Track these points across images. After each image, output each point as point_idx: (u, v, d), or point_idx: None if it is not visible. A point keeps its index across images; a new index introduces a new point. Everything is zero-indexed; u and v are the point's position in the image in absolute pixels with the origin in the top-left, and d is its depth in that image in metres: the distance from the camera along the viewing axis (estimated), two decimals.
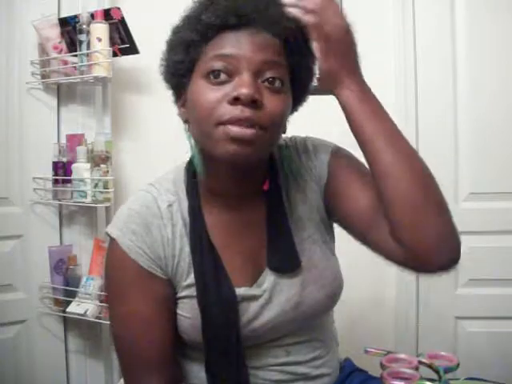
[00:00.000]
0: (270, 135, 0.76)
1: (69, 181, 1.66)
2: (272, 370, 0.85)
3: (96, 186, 1.61)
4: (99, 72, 1.59)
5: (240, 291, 0.82)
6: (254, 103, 0.72)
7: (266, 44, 0.74)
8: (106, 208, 1.66)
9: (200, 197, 0.85)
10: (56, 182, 1.68)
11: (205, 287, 0.80)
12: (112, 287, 0.84)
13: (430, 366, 0.78)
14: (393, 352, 0.81)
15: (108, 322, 1.63)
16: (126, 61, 1.73)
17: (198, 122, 0.77)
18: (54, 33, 1.66)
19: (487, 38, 1.66)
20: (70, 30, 1.66)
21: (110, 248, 0.83)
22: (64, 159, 1.68)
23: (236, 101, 0.72)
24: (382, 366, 0.78)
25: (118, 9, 1.61)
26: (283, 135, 0.85)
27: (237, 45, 0.74)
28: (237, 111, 0.72)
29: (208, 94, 0.74)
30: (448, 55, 1.68)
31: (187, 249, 0.82)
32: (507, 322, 1.66)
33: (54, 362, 1.76)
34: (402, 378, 0.73)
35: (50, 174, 1.69)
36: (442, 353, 0.82)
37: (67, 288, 1.66)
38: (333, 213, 0.89)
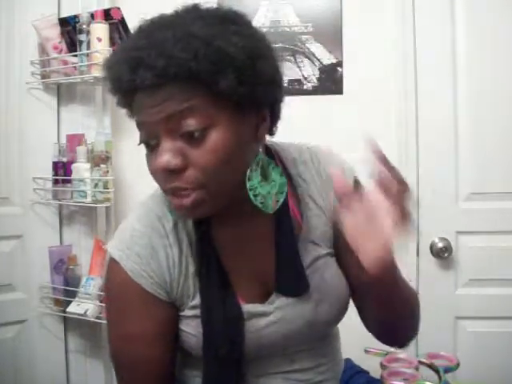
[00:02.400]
0: (214, 187, 0.70)
1: (69, 181, 1.66)
2: (274, 378, 0.84)
3: (96, 185, 1.61)
4: (99, 72, 1.58)
5: (248, 307, 0.80)
6: (173, 172, 0.68)
7: (170, 97, 0.66)
8: (106, 208, 1.66)
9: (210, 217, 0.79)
10: (56, 181, 1.68)
11: (210, 308, 0.78)
12: (113, 308, 0.82)
13: (430, 366, 0.78)
14: (393, 352, 0.81)
15: None
16: None
17: None
18: (54, 33, 1.66)
19: (487, 37, 1.66)
20: (70, 29, 1.66)
21: (111, 269, 0.80)
22: (64, 159, 1.68)
23: (161, 172, 0.69)
24: (382, 366, 0.78)
25: (118, 9, 1.61)
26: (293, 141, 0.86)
27: (141, 110, 0.70)
28: (167, 183, 0.70)
29: (148, 163, 0.73)
30: (448, 55, 1.68)
31: (192, 270, 0.80)
32: (507, 322, 1.66)
33: (54, 362, 1.76)
34: (402, 378, 0.73)
35: (50, 173, 1.69)
36: (442, 353, 0.82)
37: (67, 288, 1.66)
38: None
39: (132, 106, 0.72)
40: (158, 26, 0.71)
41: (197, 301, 0.80)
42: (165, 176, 0.69)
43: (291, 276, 0.81)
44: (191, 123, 0.67)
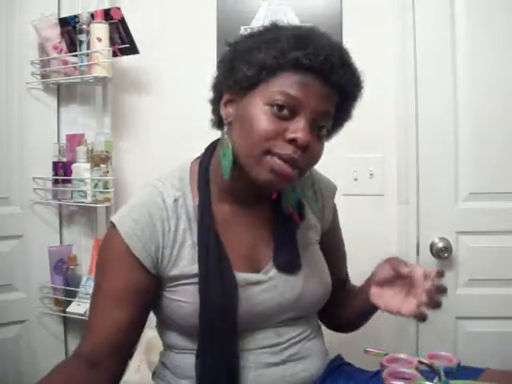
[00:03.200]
0: (303, 174, 0.86)
1: (69, 181, 1.66)
2: (263, 353, 0.88)
3: (96, 186, 1.61)
4: (99, 72, 1.59)
5: (244, 276, 0.87)
6: (305, 149, 0.79)
7: (329, 97, 0.82)
8: (106, 208, 1.66)
9: (210, 193, 0.89)
10: (56, 181, 1.68)
11: (207, 276, 0.84)
12: (99, 265, 0.89)
13: (430, 366, 0.78)
14: (393, 352, 0.81)
15: None
16: (126, 61, 1.73)
17: (247, 141, 0.82)
18: (53, 33, 1.66)
19: (487, 37, 1.66)
20: (70, 29, 1.66)
21: (108, 232, 0.89)
22: (64, 159, 1.68)
23: (292, 141, 0.79)
24: (382, 366, 0.78)
25: (118, 9, 1.61)
26: None
27: (305, 90, 0.79)
28: (290, 151, 0.79)
29: (269, 124, 0.79)
30: (448, 56, 1.68)
31: (189, 242, 0.87)
32: (507, 322, 1.65)
33: (54, 362, 1.74)
34: (402, 378, 0.73)
35: (50, 174, 1.70)
36: (442, 353, 0.82)
37: (67, 288, 1.66)
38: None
39: (284, 72, 0.79)
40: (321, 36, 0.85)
41: (194, 270, 0.85)
42: (295, 145, 0.79)
43: (287, 256, 0.92)
44: (328, 122, 0.84)
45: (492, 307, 1.66)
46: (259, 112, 0.80)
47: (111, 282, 0.85)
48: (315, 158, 0.84)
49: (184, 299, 0.85)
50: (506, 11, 1.65)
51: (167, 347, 0.95)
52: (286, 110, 0.79)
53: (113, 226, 0.86)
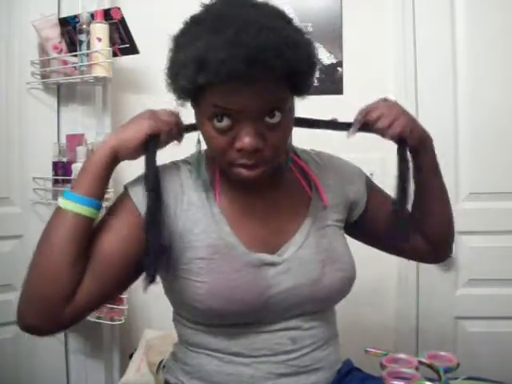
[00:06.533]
0: (277, 160, 0.84)
1: (69, 181, 1.65)
2: (276, 363, 0.86)
3: None
4: (99, 72, 1.59)
5: (259, 256, 0.86)
6: (256, 152, 0.78)
7: (264, 89, 0.75)
8: (106, 208, 1.65)
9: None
10: (56, 182, 1.68)
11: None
12: (104, 216, 0.87)
13: (430, 366, 0.78)
14: (392, 352, 0.81)
15: (108, 322, 1.64)
16: (126, 61, 1.73)
17: (211, 153, 0.85)
18: (54, 33, 1.66)
19: (487, 37, 1.66)
20: (70, 29, 1.66)
21: (120, 196, 0.89)
22: (64, 159, 1.68)
23: (241, 150, 0.78)
24: (382, 366, 0.78)
25: (118, 9, 1.61)
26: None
27: (233, 97, 0.75)
28: (243, 160, 0.79)
29: (216, 139, 0.79)
30: (448, 55, 1.68)
31: (199, 215, 0.86)
32: (507, 322, 1.66)
33: (54, 362, 1.76)
34: (402, 378, 0.73)
35: (50, 174, 1.70)
36: (442, 353, 0.82)
37: None
38: (361, 229, 1.02)
39: (205, 89, 0.76)
40: (242, 21, 0.74)
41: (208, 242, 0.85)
42: (242, 154, 0.78)
43: None
44: (277, 115, 0.78)
45: (492, 307, 1.66)
46: (207, 129, 0.80)
47: (118, 223, 0.84)
48: (277, 146, 0.81)
49: (199, 279, 0.83)
50: (507, 10, 1.65)
51: (182, 342, 0.94)
52: (225, 120, 0.77)
53: (126, 191, 0.87)
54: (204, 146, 0.87)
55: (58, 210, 0.81)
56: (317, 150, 1.03)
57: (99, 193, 0.82)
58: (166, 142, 0.87)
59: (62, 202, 0.81)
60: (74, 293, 0.79)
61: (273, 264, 0.87)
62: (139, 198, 0.84)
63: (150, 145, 0.83)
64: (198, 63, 0.73)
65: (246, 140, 0.76)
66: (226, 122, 0.77)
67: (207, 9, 0.81)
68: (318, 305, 0.90)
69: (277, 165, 0.87)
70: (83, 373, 1.78)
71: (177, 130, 0.87)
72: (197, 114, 0.84)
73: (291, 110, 0.83)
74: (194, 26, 0.80)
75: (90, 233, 0.81)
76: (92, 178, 0.81)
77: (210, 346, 0.88)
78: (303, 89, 0.82)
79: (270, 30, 0.72)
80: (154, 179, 0.82)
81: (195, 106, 0.83)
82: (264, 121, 0.78)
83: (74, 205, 0.80)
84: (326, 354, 0.92)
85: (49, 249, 0.80)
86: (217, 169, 0.90)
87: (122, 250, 0.82)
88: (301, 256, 0.88)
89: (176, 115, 0.87)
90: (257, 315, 0.86)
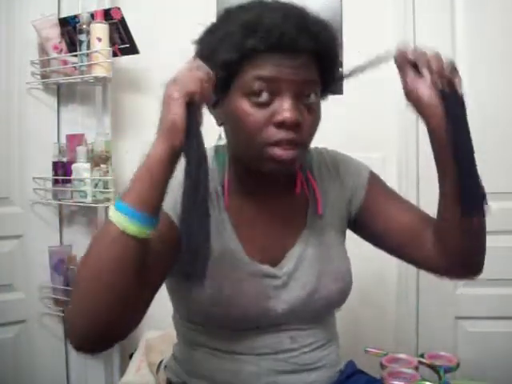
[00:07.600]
0: (307, 148, 0.84)
1: (69, 181, 1.66)
2: (277, 360, 0.87)
3: (96, 185, 1.61)
4: (99, 72, 1.59)
5: (262, 267, 0.87)
6: (297, 126, 0.77)
7: (305, 65, 0.78)
8: (106, 208, 1.65)
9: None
10: (56, 181, 1.68)
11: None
12: None
13: (430, 366, 0.78)
14: (392, 352, 0.81)
15: None
16: (126, 61, 1.73)
17: (242, 138, 0.81)
18: (54, 33, 1.66)
19: (487, 37, 1.66)
20: (70, 29, 1.66)
21: None
22: (64, 159, 1.68)
23: (281, 124, 0.77)
24: (382, 366, 0.78)
25: (118, 9, 1.61)
26: None
27: (278, 67, 0.76)
28: (282, 134, 0.77)
29: (253, 115, 0.78)
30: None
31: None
32: (507, 322, 1.66)
33: (54, 362, 1.76)
34: (402, 378, 0.73)
35: (50, 174, 1.70)
36: (442, 353, 0.82)
37: (67, 288, 1.66)
38: (363, 227, 0.98)
39: (251, 59, 0.77)
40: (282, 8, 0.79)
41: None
42: (281, 128, 0.77)
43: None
44: (312, 96, 0.80)
45: (492, 307, 1.66)
46: (241, 106, 0.78)
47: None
48: (312, 130, 0.82)
49: (200, 283, 0.80)
50: (507, 10, 1.65)
51: (181, 341, 0.94)
52: (264, 95, 0.77)
53: None
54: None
55: None
56: (328, 149, 1.02)
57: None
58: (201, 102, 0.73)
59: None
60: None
61: (274, 276, 0.87)
62: (167, 204, 0.75)
63: (190, 113, 0.71)
64: (248, 28, 0.75)
65: (288, 113, 0.76)
66: (264, 97, 0.77)
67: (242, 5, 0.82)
68: (316, 314, 0.92)
69: (304, 157, 0.87)
70: (83, 373, 1.78)
71: (209, 87, 0.71)
72: (227, 96, 0.80)
73: (319, 105, 0.84)
74: (238, 9, 0.82)
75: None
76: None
77: (210, 345, 0.88)
78: (330, 79, 0.85)
79: (311, 13, 0.81)
80: (199, 151, 0.70)
81: (227, 86, 0.79)
82: (302, 99, 0.79)
83: None
84: (326, 353, 0.92)
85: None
86: (230, 171, 0.89)
87: (164, 254, 0.76)
88: (299, 269, 0.89)
89: (202, 67, 0.72)
90: (256, 323, 0.86)
